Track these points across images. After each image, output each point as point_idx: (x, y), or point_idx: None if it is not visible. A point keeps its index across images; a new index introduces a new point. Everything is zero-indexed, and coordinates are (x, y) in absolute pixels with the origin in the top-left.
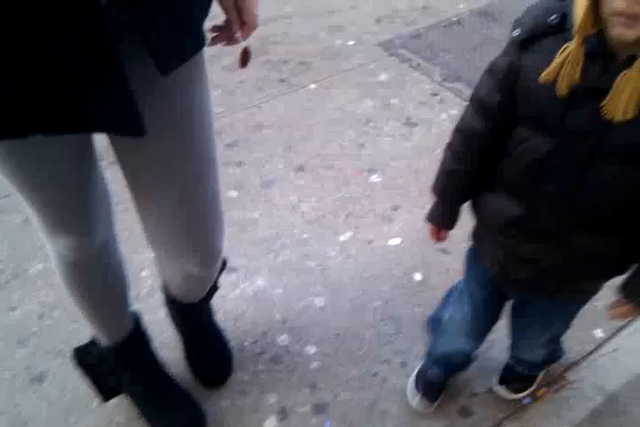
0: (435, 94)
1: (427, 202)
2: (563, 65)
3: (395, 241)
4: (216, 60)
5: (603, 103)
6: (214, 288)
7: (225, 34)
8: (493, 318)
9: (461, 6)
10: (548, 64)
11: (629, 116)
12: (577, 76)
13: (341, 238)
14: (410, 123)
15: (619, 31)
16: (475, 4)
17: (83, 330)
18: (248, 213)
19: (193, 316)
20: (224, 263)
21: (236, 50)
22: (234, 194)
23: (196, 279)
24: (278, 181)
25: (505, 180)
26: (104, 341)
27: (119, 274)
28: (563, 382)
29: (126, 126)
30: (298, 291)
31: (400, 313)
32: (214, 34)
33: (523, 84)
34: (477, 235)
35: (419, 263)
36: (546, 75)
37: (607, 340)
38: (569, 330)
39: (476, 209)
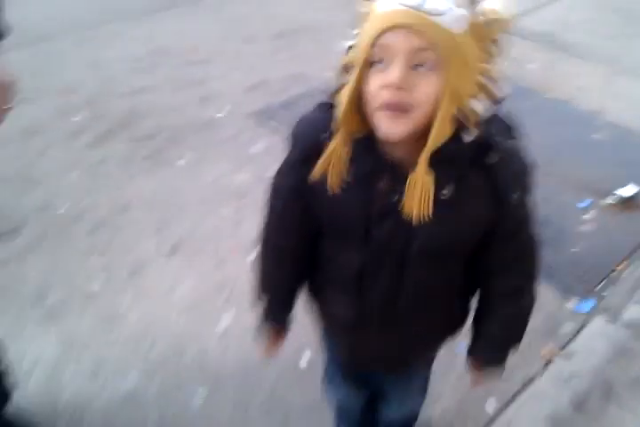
0: None
1: None
2: (330, 162)
3: None
4: (75, 136)
5: (402, 208)
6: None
7: None
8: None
9: (329, 74)
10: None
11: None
12: (345, 172)
13: (222, 324)
14: None
15: (385, 129)
16: None
17: None
18: (114, 308)
19: None
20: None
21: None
22: (95, 287)
23: None
24: (148, 267)
25: (332, 282)
26: None
27: None
28: None
29: None
30: (174, 389)
31: (287, 403)
32: None
33: (319, 203)
34: (323, 321)
35: (305, 344)
36: (315, 173)
37: (500, 413)
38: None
39: (316, 299)
